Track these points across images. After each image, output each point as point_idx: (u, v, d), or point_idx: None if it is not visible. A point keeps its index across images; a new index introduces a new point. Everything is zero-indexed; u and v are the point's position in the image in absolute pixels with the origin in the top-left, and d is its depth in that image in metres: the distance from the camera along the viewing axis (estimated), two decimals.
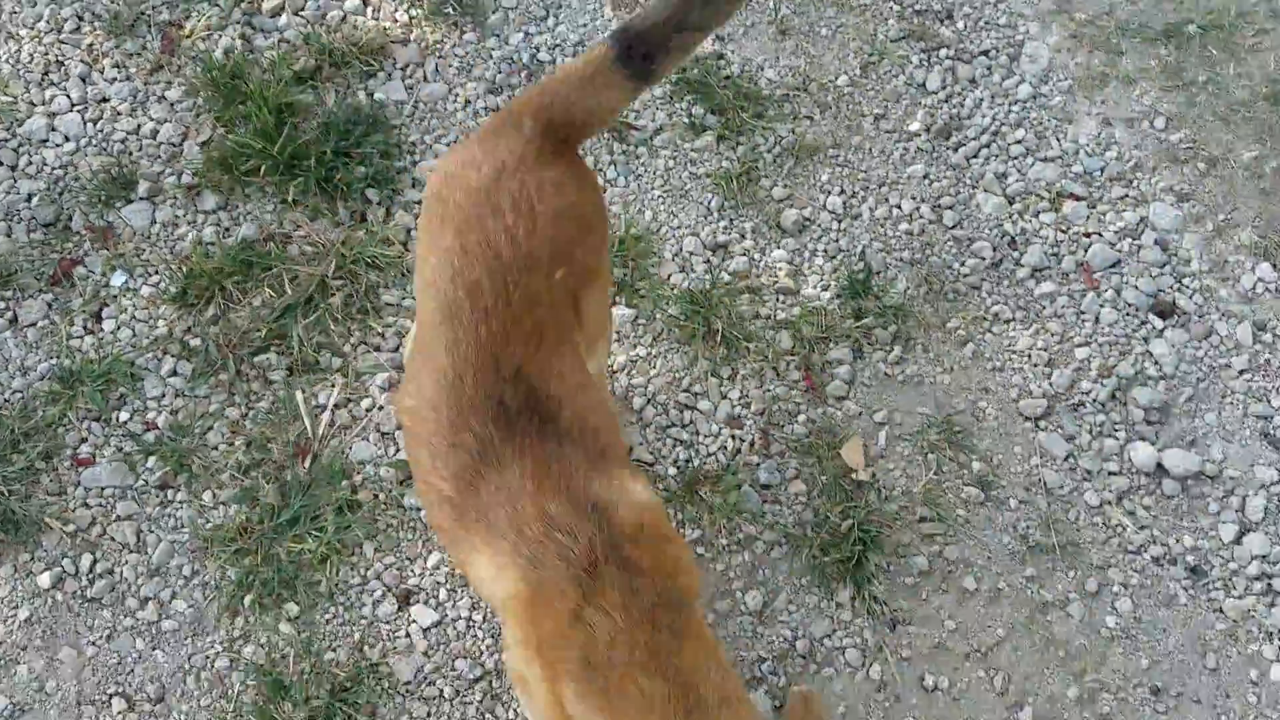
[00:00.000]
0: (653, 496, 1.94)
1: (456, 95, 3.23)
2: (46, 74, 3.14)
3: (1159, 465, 2.87)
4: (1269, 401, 2.96)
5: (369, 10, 3.33)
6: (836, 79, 3.36)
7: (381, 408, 2.77)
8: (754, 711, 1.80)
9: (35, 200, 2.96)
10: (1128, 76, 3.43)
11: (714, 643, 1.86)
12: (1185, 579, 2.75)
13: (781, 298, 3.03)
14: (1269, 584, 2.73)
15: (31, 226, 2.93)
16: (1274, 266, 3.14)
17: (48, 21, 3.21)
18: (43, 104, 3.10)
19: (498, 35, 3.32)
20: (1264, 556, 2.76)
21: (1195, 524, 2.82)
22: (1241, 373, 3.00)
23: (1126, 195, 3.25)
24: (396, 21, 3.31)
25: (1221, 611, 2.70)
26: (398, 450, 2.73)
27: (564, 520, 1.76)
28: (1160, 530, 2.80)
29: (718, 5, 1.97)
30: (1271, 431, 2.93)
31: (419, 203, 2.99)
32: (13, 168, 3.01)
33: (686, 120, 3.23)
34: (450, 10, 3.34)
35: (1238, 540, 2.79)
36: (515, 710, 2.49)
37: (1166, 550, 2.77)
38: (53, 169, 3.01)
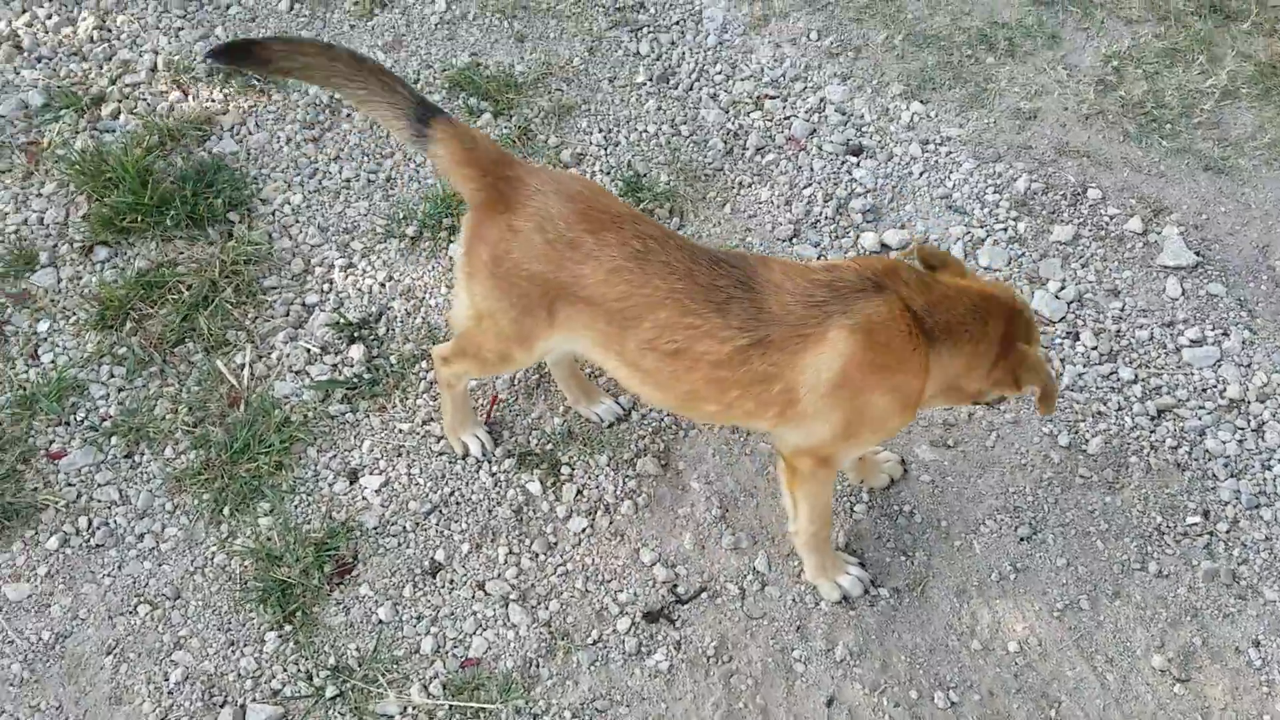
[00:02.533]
0: None
1: (278, 138, 3.98)
2: None
3: (883, 244, 3.80)
4: (944, 186, 3.96)
5: (189, 98, 4.07)
6: (571, 61, 4.31)
7: (290, 354, 3.41)
8: None
9: None
10: (782, 12, 4.52)
11: None
12: None
13: None
14: None
15: None
16: (921, 103, 4.20)
17: None
18: None
19: (299, 90, 4.12)
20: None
21: None
22: (921, 174, 4.00)
23: (805, 87, 4.28)
24: (214, 100, 4.07)
25: None
26: (311, 380, 3.36)
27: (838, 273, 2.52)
28: None
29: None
30: (953, 204, 3.92)
31: (265, 216, 3.71)
32: None
33: (465, 109, 4.09)
34: (255, 83, 4.13)
35: None
36: (469, 523, 3.11)
37: None
38: None
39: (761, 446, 3.26)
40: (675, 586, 2.99)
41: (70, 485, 3.14)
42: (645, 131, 4.11)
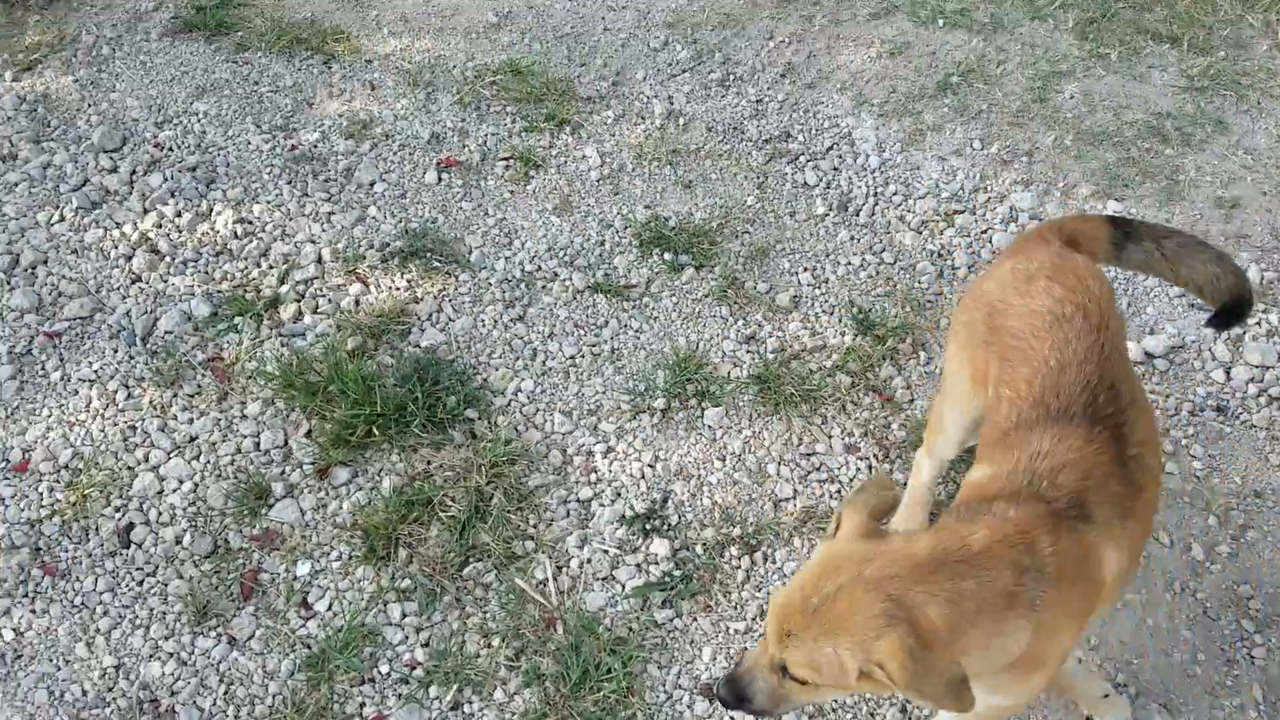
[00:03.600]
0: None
1: (482, 321, 3.68)
2: (126, 440, 3.31)
3: (1146, 353, 3.66)
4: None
5: (372, 289, 3.75)
6: (746, 200, 4.12)
7: (590, 560, 3.08)
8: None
9: (186, 539, 3.09)
10: (935, 125, 4.42)
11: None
12: (1215, 417, 3.49)
13: (815, 354, 3.63)
14: (1269, 396, 3.52)
15: (196, 561, 3.05)
16: (1117, 200, 4.12)
17: (99, 400, 3.39)
18: (140, 463, 3.25)
19: (485, 267, 3.83)
20: (1257, 379, 3.57)
21: (1194, 379, 3.60)
22: (1147, 275, 3.89)
23: (989, 197, 4.16)
24: (399, 287, 3.75)
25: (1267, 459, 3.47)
26: (623, 586, 3.03)
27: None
28: (1175, 390, 3.56)
29: (1174, 273, 2.66)
30: (1195, 302, 3.81)
31: (503, 408, 3.40)
32: (145, 524, 3.13)
33: (665, 265, 3.85)
34: (436, 264, 3.83)
35: (1228, 376, 3.59)
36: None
37: (1191, 403, 3.52)
38: (184, 509, 3.15)
39: None
40: None
41: None
42: (850, 264, 3.93)
